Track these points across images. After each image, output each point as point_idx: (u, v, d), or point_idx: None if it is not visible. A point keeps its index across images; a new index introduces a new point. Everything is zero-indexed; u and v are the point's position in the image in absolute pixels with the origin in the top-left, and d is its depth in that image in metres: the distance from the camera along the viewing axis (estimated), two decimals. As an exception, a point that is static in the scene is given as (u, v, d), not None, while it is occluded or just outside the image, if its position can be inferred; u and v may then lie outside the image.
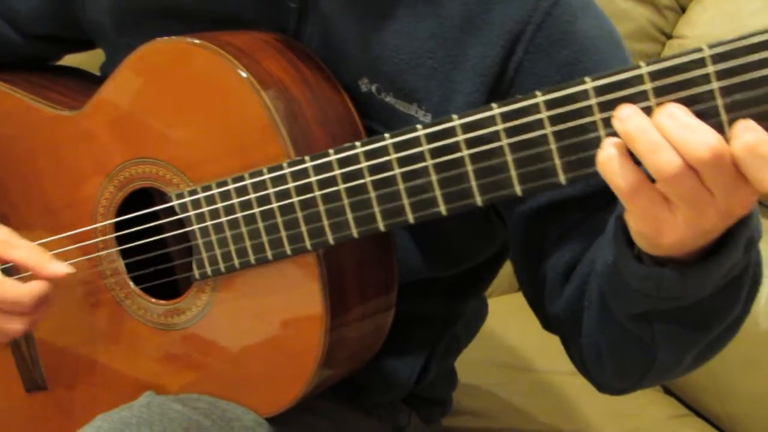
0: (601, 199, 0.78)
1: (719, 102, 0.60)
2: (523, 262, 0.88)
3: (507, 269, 0.98)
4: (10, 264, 0.90)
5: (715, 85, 0.60)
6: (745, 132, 0.58)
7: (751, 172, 0.58)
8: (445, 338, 1.01)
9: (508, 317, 1.40)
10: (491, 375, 1.36)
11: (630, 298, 0.73)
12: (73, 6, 0.95)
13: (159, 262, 0.91)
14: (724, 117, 0.61)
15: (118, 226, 0.90)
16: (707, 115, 0.61)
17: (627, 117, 0.61)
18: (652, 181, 0.62)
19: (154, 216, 0.88)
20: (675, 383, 1.38)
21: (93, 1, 0.93)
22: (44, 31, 1.00)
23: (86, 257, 0.91)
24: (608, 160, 0.62)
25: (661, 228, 0.63)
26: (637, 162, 0.62)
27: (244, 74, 0.79)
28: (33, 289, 0.86)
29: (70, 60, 1.10)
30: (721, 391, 1.30)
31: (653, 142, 0.60)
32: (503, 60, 0.81)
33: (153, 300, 0.89)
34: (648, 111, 0.62)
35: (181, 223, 0.85)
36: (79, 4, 0.94)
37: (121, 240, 0.90)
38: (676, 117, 0.60)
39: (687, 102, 0.61)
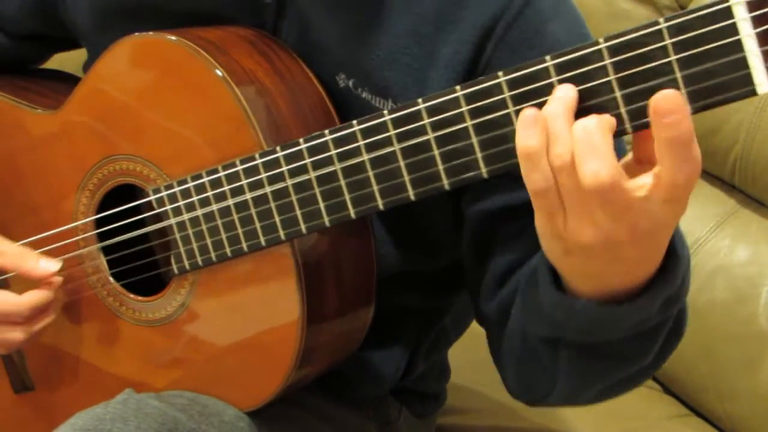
0: None
1: (678, 75, 0.60)
2: (469, 257, 0.88)
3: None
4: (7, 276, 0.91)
5: (673, 57, 0.60)
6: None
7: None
8: (431, 332, 1.01)
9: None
10: (489, 373, 1.34)
11: (542, 319, 0.73)
12: (56, 5, 0.96)
13: (143, 258, 0.91)
14: (683, 90, 0.60)
15: (99, 224, 0.90)
16: (667, 89, 0.60)
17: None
18: None
19: (135, 212, 0.88)
20: (675, 383, 1.37)
21: (74, 0, 0.94)
22: (29, 29, 1.01)
23: (68, 256, 0.92)
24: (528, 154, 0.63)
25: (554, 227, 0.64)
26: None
27: (215, 68, 0.80)
28: (27, 299, 0.88)
29: (57, 59, 1.11)
30: (721, 390, 1.28)
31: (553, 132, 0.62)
32: (474, 57, 0.81)
33: (133, 296, 0.90)
34: (608, 85, 0.62)
35: (160, 219, 0.85)
36: (61, 4, 0.95)
37: (102, 237, 0.91)
38: (590, 133, 0.60)
39: (645, 76, 0.61)
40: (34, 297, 0.87)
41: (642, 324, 0.69)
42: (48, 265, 0.87)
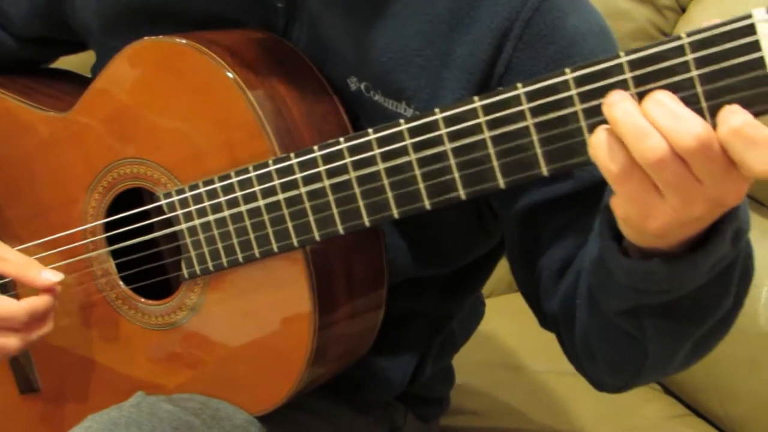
0: (592, 196, 0.78)
1: (699, 89, 0.60)
2: (520, 261, 0.88)
3: (506, 269, 0.98)
4: (7, 279, 0.91)
5: (694, 72, 0.60)
6: (731, 115, 0.58)
7: (738, 155, 0.58)
8: (439, 337, 1.01)
9: (507, 317, 1.39)
10: (490, 375, 1.35)
11: (617, 293, 0.72)
12: (63, 7, 0.95)
13: (150, 262, 0.91)
14: (704, 104, 0.60)
15: (108, 227, 0.90)
16: (687, 103, 0.60)
17: (614, 102, 0.61)
18: None
19: (145, 216, 0.88)
20: (675, 383, 1.38)
21: (82, 2, 0.93)
22: (36, 32, 1.00)
23: (77, 258, 0.91)
24: (599, 143, 0.62)
25: (649, 212, 0.62)
26: None
27: (229, 73, 0.79)
28: (26, 306, 0.87)
29: (64, 62, 1.10)
30: (721, 391, 1.29)
31: (638, 126, 0.59)
32: (492, 57, 0.81)
33: (143, 300, 0.89)
34: (628, 100, 0.62)
35: (170, 223, 0.85)
36: (68, 5, 0.95)
37: (111, 241, 0.90)
38: (663, 104, 0.59)
39: (667, 90, 0.61)
40: (32, 303, 0.86)
41: (717, 265, 0.68)
42: (50, 276, 0.87)
